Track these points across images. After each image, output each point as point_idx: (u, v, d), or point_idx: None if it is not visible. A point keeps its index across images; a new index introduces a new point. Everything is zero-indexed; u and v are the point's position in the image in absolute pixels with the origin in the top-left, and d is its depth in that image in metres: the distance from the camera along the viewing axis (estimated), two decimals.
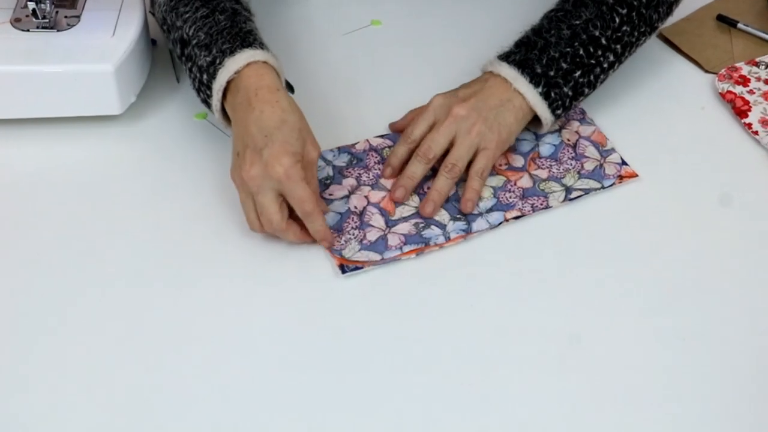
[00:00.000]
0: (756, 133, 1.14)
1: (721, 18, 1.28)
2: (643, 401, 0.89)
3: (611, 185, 1.07)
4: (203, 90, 1.03)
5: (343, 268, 0.98)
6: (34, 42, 1.08)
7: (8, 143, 1.10)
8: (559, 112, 1.08)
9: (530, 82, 1.05)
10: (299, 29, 1.21)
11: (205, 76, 1.01)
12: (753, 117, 1.15)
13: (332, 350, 0.92)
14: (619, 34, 1.09)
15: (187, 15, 1.05)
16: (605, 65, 1.09)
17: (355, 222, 1.03)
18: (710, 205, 1.07)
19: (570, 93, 1.07)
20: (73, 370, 0.90)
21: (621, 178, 1.08)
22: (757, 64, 1.21)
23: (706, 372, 0.92)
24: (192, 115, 1.14)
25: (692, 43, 1.25)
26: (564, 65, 1.06)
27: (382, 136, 1.12)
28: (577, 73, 1.07)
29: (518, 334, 0.94)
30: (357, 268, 0.98)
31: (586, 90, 1.09)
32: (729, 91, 1.18)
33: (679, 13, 1.20)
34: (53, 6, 1.09)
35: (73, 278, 0.97)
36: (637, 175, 1.08)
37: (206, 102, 1.04)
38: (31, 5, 1.07)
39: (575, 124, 1.14)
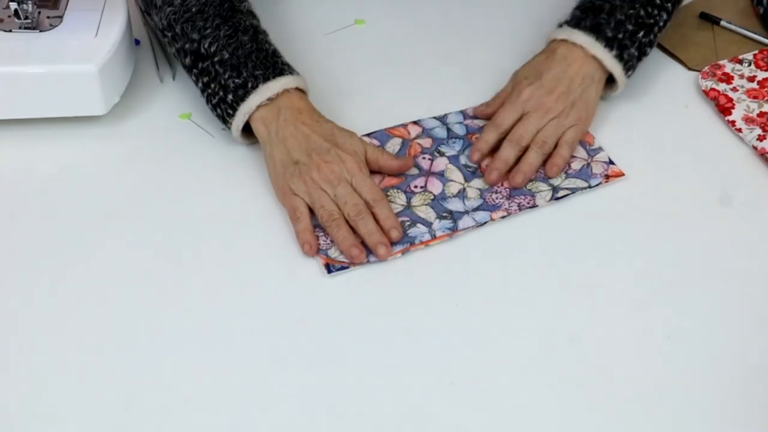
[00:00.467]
0: (739, 130, 1.14)
1: (703, 16, 1.28)
2: (630, 398, 0.90)
3: (598, 185, 1.07)
4: (223, 107, 1.06)
5: (329, 268, 0.98)
6: (17, 42, 1.07)
7: None
8: (630, 73, 1.13)
9: (605, 46, 1.10)
10: (282, 28, 1.20)
11: (230, 96, 1.05)
12: (736, 114, 1.16)
13: (317, 349, 0.92)
14: None
15: (207, 31, 1.07)
16: (661, 24, 1.15)
17: None
18: (695, 203, 1.07)
19: (636, 53, 1.12)
20: (57, 372, 0.89)
21: (608, 177, 1.08)
22: (740, 62, 1.22)
23: (692, 369, 0.92)
24: (176, 115, 1.14)
25: (675, 40, 1.25)
26: (629, 27, 1.11)
27: (369, 135, 1.12)
28: (641, 34, 1.12)
29: (504, 332, 0.94)
30: (343, 268, 0.98)
31: (648, 50, 1.14)
32: (712, 89, 1.18)
33: None
34: (35, 6, 1.08)
35: (57, 278, 0.97)
36: (623, 174, 1.08)
37: (222, 117, 1.07)
38: (13, 5, 1.07)
39: None
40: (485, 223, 1.03)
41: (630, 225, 1.05)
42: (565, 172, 1.08)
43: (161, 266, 0.99)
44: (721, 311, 0.97)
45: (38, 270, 0.98)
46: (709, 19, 1.28)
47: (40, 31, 1.09)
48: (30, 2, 1.07)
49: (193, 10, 1.09)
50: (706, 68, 1.21)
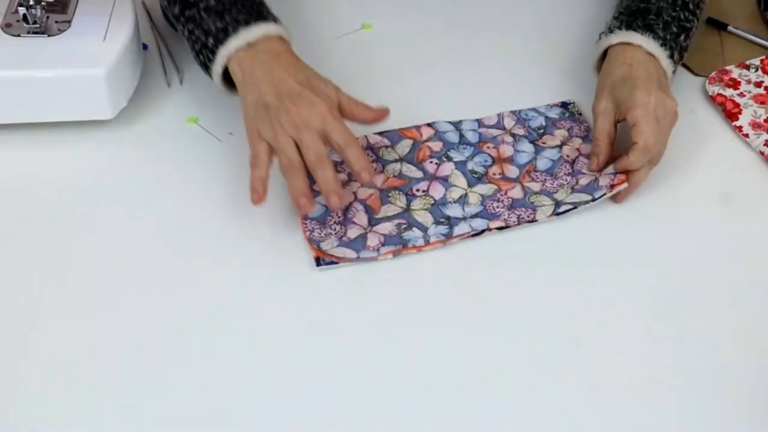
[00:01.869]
0: (746, 135, 1.14)
1: (710, 21, 1.28)
2: (638, 404, 0.89)
3: (601, 196, 1.05)
4: (204, 53, 1.06)
5: (318, 261, 0.98)
6: (25, 47, 1.08)
7: None
8: (674, 77, 1.13)
9: (661, 45, 1.10)
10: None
11: (211, 40, 1.05)
12: (743, 120, 1.15)
13: (324, 353, 0.92)
14: (696, 1, 1.17)
15: None
16: (693, 30, 1.15)
17: (339, 217, 1.03)
18: (702, 208, 1.07)
19: (677, 57, 1.13)
20: (63, 372, 0.90)
21: (612, 187, 1.05)
22: (747, 67, 1.21)
23: (698, 375, 0.92)
24: (183, 119, 1.15)
25: None
26: (674, 29, 1.12)
27: (380, 133, 1.12)
28: (681, 37, 1.13)
29: (511, 336, 0.94)
30: (332, 263, 0.98)
31: (685, 54, 1.15)
32: (719, 94, 1.18)
33: None
34: (44, 11, 1.10)
35: (64, 282, 0.98)
36: (627, 180, 1.06)
37: (205, 65, 1.07)
38: (22, 10, 1.08)
39: (577, 141, 1.13)
40: (482, 231, 1.02)
41: (636, 230, 1.05)
42: (572, 187, 1.07)
43: (166, 269, 0.99)
44: (728, 317, 0.97)
45: (45, 273, 0.98)
46: (716, 25, 1.28)
47: (49, 35, 1.10)
48: (38, 7, 1.08)
49: None
50: (713, 73, 1.20)
